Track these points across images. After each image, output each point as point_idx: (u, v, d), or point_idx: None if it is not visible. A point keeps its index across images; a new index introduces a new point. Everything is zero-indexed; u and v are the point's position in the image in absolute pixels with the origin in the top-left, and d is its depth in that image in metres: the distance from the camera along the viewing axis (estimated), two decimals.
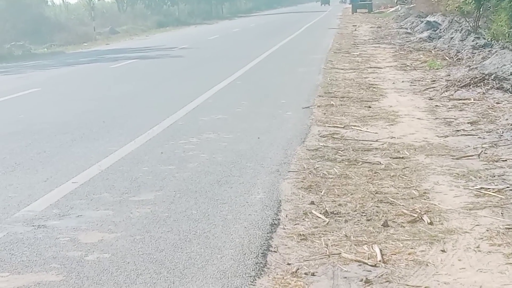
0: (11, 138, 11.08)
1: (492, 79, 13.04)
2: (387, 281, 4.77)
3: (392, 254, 5.21)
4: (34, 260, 5.42)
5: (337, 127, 10.44)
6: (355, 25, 40.29)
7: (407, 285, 4.69)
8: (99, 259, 5.39)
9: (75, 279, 5.01)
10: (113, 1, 76.07)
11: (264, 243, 5.58)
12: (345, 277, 4.87)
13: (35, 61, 30.94)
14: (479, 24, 24.05)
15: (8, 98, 16.59)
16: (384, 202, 6.51)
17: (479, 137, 9.35)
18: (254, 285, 4.79)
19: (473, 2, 24.00)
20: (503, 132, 9.47)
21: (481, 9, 24.12)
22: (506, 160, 7.98)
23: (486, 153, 8.37)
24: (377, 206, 6.39)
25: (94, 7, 57.09)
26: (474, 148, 8.67)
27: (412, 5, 48.84)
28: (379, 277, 4.83)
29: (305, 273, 4.95)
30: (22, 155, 9.67)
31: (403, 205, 6.40)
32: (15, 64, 29.44)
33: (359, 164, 8.11)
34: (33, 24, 45.93)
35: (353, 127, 10.45)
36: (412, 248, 5.33)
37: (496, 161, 7.98)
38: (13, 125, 12.42)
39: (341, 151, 8.80)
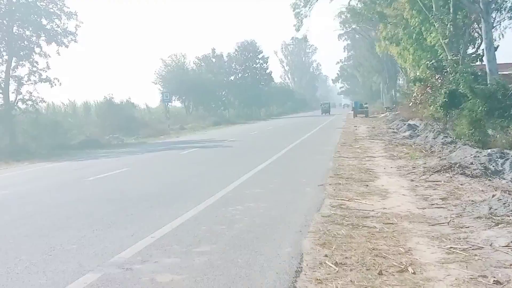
0: (108, 203, 11.16)
1: (457, 167, 12.89)
2: None
3: None
4: None
5: (343, 200, 10.34)
6: (356, 126, 40.35)
7: None
8: None
9: None
10: (182, 106, 77.16)
11: (291, 285, 5.49)
12: None
13: (126, 148, 31.33)
14: (447, 126, 23.98)
15: (107, 174, 16.81)
16: (379, 256, 6.40)
17: (448, 210, 9.18)
18: None
19: (442, 111, 24.05)
20: (466, 206, 9.29)
21: (447, 116, 24.11)
22: (468, 227, 7.82)
23: (453, 222, 8.21)
24: (374, 259, 6.28)
25: (168, 110, 57.86)
26: (444, 218, 8.51)
27: (397, 112, 48.97)
28: None
29: None
30: (116, 216, 9.73)
31: (393, 259, 6.28)
32: (112, 151, 29.88)
33: (360, 227, 8.01)
34: (125, 122, 46.69)
35: (355, 200, 10.34)
36: None
37: (461, 228, 7.83)
38: (110, 194, 12.53)
39: (347, 217, 8.70)
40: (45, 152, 29.46)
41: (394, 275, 5.72)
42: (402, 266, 5.96)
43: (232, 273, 5.94)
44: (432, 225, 8.07)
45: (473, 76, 23.64)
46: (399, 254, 6.53)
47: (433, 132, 23.53)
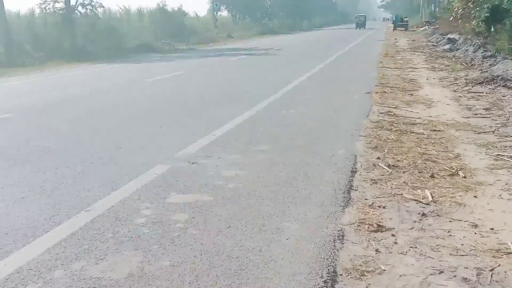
0: (169, 103, 11.23)
1: (499, 79, 12.52)
2: (437, 215, 4.59)
3: (439, 197, 5.02)
4: (192, 186, 5.43)
5: (390, 107, 10.14)
6: (396, 39, 39.29)
7: (452, 219, 4.51)
8: (236, 187, 5.36)
9: (221, 200, 4.99)
10: (230, 15, 76.06)
11: (347, 184, 5.44)
12: (407, 211, 4.70)
13: (178, 54, 31.21)
14: (487, 41, 23.11)
15: (165, 76, 16.81)
16: (430, 161, 6.28)
17: (492, 119, 8.94)
18: (343, 212, 4.67)
19: (484, 25, 23.15)
20: (509, 116, 9.04)
21: (489, 31, 23.20)
22: None
23: (498, 131, 8.00)
24: (425, 163, 6.17)
25: (217, 19, 57.10)
26: (489, 127, 8.29)
27: (436, 26, 47.41)
28: (431, 212, 4.66)
29: (378, 206, 4.81)
30: (177, 114, 9.78)
31: (443, 163, 6.16)
32: (165, 55, 29.86)
33: (408, 133, 7.85)
34: (176, 29, 46.33)
35: (401, 107, 10.14)
36: (453, 194, 5.12)
37: (506, 136, 7.61)
38: (169, 94, 12.61)
39: (395, 124, 8.54)
40: (104, 55, 29.51)
41: (445, 178, 5.62)
42: (453, 170, 5.84)
43: (291, 170, 5.91)
44: (477, 133, 7.88)
45: None
46: (449, 159, 6.39)
47: (473, 46, 22.75)
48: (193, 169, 6.05)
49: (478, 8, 26.15)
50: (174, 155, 6.70)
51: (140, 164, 6.31)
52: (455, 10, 34.07)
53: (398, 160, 6.31)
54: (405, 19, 64.19)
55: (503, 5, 22.56)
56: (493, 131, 7.99)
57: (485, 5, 24.24)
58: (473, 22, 25.67)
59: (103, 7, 39.32)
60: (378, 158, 6.43)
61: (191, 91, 12.97)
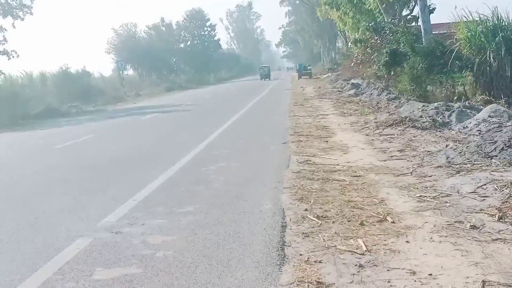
0: (82, 169, 10.76)
1: (408, 121, 12.95)
2: (374, 265, 4.54)
3: (372, 245, 4.98)
4: (118, 258, 5.11)
5: (308, 155, 10.19)
6: (303, 87, 40.20)
7: (389, 267, 4.46)
8: (165, 255, 5.10)
9: (151, 271, 4.71)
10: (135, 74, 75.59)
11: (279, 240, 5.32)
12: (344, 263, 4.62)
13: (87, 116, 30.41)
14: (389, 84, 24.06)
15: (75, 141, 16.19)
16: (356, 208, 6.28)
17: (408, 160, 9.15)
18: (281, 271, 4.52)
19: (385, 69, 24.10)
20: (423, 156, 9.29)
21: (390, 74, 24.17)
22: (431, 176, 7.78)
23: (416, 171, 8.17)
24: (352, 211, 6.16)
25: (123, 79, 56.53)
26: (406, 168, 8.46)
27: (338, 73, 49.13)
28: (367, 262, 4.60)
29: (314, 261, 4.70)
30: (92, 181, 9.35)
31: (370, 210, 6.17)
32: (73, 119, 28.99)
33: (330, 181, 7.87)
34: (82, 91, 45.38)
35: (319, 155, 10.21)
36: (385, 240, 5.11)
37: (425, 177, 7.78)
38: (81, 160, 12.10)
39: (316, 172, 8.55)
40: (8, 122, 28.28)
41: (375, 225, 5.60)
42: (381, 216, 5.84)
43: (221, 232, 5.71)
44: (396, 176, 8.01)
45: (413, 36, 23.70)
46: (374, 204, 6.42)
47: (376, 90, 23.66)
48: (117, 239, 5.72)
49: (376, 54, 27.35)
50: (95, 225, 6.34)
51: (59, 239, 5.91)
52: (355, 56, 35.54)
53: (325, 210, 6.26)
54: (308, 67, 66.32)
55: (400, 49, 23.69)
56: (411, 172, 8.15)
57: (384, 50, 25.35)
58: (374, 67, 26.73)
59: (3, 73, 38.16)
60: (306, 210, 6.36)
61: (104, 155, 12.51)
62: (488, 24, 17.38)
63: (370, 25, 31.27)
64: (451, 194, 6.63)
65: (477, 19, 18.16)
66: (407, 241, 5.06)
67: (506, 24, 16.72)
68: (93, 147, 14.60)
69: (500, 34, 16.61)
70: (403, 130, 12.36)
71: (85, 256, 5.23)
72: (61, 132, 21.16)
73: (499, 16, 17.13)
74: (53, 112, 33.70)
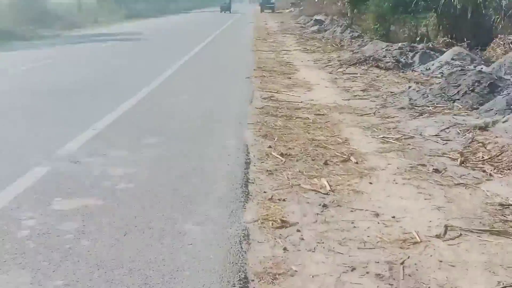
0: (40, 95, 10.32)
1: (371, 60, 12.90)
2: (338, 205, 4.53)
3: (336, 185, 4.97)
4: (78, 189, 4.96)
5: (272, 91, 10.08)
6: (265, 21, 39.67)
7: (353, 208, 4.46)
8: (127, 187, 4.98)
9: (112, 203, 4.60)
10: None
11: (244, 177, 5.24)
12: (308, 202, 4.60)
13: (43, 41, 29.22)
14: (353, 22, 23.88)
15: (32, 66, 15.57)
16: (320, 147, 6.25)
17: (371, 101, 9.16)
18: (245, 209, 4.47)
19: (349, 6, 23.88)
20: (386, 97, 9.31)
21: (354, 12, 23.95)
22: (394, 117, 7.83)
23: (379, 112, 8.21)
24: (316, 150, 6.13)
25: (81, 3, 54.65)
26: (370, 108, 8.48)
27: (301, 8, 48.55)
28: (332, 202, 4.58)
29: (278, 199, 4.66)
30: (51, 108, 8.96)
31: (334, 149, 6.15)
32: (29, 42, 27.88)
33: (294, 118, 7.82)
34: (38, 14, 43.73)
35: (282, 92, 10.12)
36: (348, 181, 5.11)
37: (387, 118, 7.82)
38: (39, 85, 11.64)
39: (279, 109, 8.47)
40: None
41: (338, 164, 5.59)
42: (345, 156, 5.83)
43: (185, 165, 5.59)
44: (360, 116, 8.01)
45: None
46: (338, 144, 6.40)
47: (340, 27, 23.46)
48: (76, 169, 5.54)
49: None
50: (53, 154, 6.11)
51: (15, 166, 5.68)
52: None
53: (289, 148, 6.21)
54: (271, 1, 65.28)
55: None
56: (374, 113, 8.16)
57: None
58: (339, 4, 26.47)
59: None
60: (270, 147, 6.29)
61: (63, 82, 12.01)
62: None
63: None
64: (414, 137, 6.66)
65: None
66: (371, 183, 5.06)
67: None
68: (50, 73, 14.04)
69: None
70: (366, 70, 12.33)
71: (42, 186, 5.04)
72: (17, 56, 20.39)
73: None
74: (7, 34, 32.28)
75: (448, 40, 15.81)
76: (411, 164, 5.56)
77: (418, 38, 17.10)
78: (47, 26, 40.84)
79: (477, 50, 13.88)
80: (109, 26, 43.92)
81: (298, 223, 4.18)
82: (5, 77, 13.69)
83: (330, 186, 4.93)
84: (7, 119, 8.29)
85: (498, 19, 16.54)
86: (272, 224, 4.14)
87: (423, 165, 5.51)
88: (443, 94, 8.58)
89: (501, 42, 14.13)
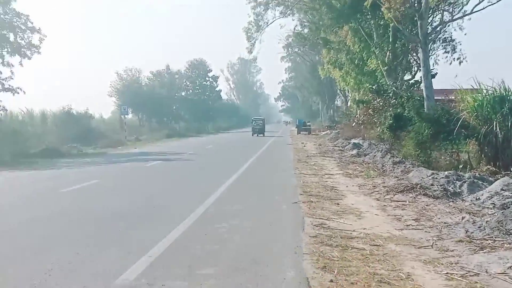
0: (91, 220, 10.41)
1: (418, 188, 12.75)
2: None
3: None
4: None
5: (322, 218, 9.96)
6: (303, 143, 40.16)
7: None
8: None
9: None
10: (136, 119, 75.56)
11: None
12: None
13: (87, 158, 30.02)
14: (392, 147, 24.00)
15: (78, 186, 15.81)
16: (383, 282, 6.04)
17: (425, 231, 8.93)
18: None
19: (389, 132, 24.09)
20: (441, 228, 9.08)
21: (394, 137, 24.14)
22: (453, 251, 7.56)
23: (436, 244, 7.95)
24: (380, 286, 5.92)
25: (125, 123, 56.41)
26: (426, 240, 8.24)
27: (337, 131, 49.22)
28: None
29: None
30: (104, 234, 9.03)
31: (398, 285, 5.93)
32: (74, 160, 28.63)
33: (349, 249, 7.64)
34: (83, 132, 45.36)
35: (333, 219, 9.99)
36: None
37: (447, 251, 7.56)
38: (89, 209, 11.75)
39: (333, 238, 8.31)
40: (8, 160, 27.86)
41: None
42: None
43: None
44: (417, 248, 7.78)
45: (418, 102, 23.85)
46: (401, 280, 6.17)
47: (380, 152, 23.54)
48: None
49: (379, 115, 27.47)
50: (112, 282, 6.04)
51: None
52: (356, 116, 35.71)
53: (352, 283, 6.02)
54: (308, 123, 66.77)
55: (405, 114, 23.84)
56: (432, 245, 7.92)
57: (388, 113, 25.45)
58: (378, 129, 26.75)
59: (6, 110, 38.22)
60: (331, 281, 6.10)
61: (112, 205, 12.09)
62: (495, 94, 17.50)
63: (373, 87, 31.43)
64: (479, 273, 6.39)
65: (483, 88, 18.33)
66: None
67: None
68: (99, 195, 14.22)
69: (507, 105, 16.70)
70: (414, 198, 12.16)
71: None
72: (63, 175, 20.82)
73: (507, 87, 17.27)
74: (53, 152, 33.36)
75: (492, 169, 15.69)
76: None
77: (460, 166, 17.01)
78: (91, 143, 42.23)
79: None
80: (151, 144, 45.43)
81: None
82: (56, 197, 13.87)
83: None
84: (60, 243, 8.29)
85: None
86: None
87: None
88: (500, 227, 8.34)
89: None
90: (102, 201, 12.73)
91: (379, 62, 32.68)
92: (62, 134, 43.34)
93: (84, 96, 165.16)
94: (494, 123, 16.62)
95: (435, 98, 24.41)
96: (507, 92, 17.31)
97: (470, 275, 6.34)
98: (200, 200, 12.20)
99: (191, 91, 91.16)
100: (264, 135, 60.05)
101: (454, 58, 31.33)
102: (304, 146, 36.47)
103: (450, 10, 28.27)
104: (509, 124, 16.33)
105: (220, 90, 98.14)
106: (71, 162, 27.48)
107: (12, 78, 35.95)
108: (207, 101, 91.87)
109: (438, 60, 33.24)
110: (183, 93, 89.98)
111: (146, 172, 21.14)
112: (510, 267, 6.54)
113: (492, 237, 8.12)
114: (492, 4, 23.60)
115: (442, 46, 32.71)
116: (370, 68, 34.81)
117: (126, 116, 57.41)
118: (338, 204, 11.77)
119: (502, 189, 11.64)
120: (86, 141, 43.45)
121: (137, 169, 22.65)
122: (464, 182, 12.81)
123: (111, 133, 53.48)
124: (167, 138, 57.85)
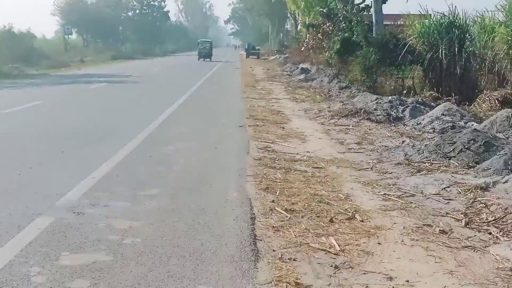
0: (35, 140, 10.26)
1: (362, 112, 12.99)
2: (350, 267, 4.47)
3: (345, 245, 4.91)
4: (85, 243, 4.86)
5: (267, 142, 10.07)
6: (252, 67, 39.95)
7: (365, 271, 4.40)
8: (134, 242, 4.89)
9: (121, 260, 4.49)
10: (80, 39, 73.35)
11: (251, 233, 5.18)
12: (319, 263, 4.54)
13: (30, 80, 29.10)
14: (339, 72, 24.14)
15: (21, 107, 15.45)
16: (323, 202, 6.20)
17: (366, 154, 9.17)
18: (257, 268, 4.39)
19: (336, 57, 24.14)
20: (381, 151, 9.34)
21: (341, 62, 24.23)
22: (391, 173, 7.81)
23: (376, 167, 8.19)
24: (319, 205, 6.08)
25: (68, 43, 54.80)
26: (366, 163, 8.46)
27: (287, 55, 49.09)
28: (343, 263, 4.52)
29: (288, 259, 4.59)
30: (47, 154, 8.92)
31: (337, 205, 6.11)
32: (16, 81, 27.73)
33: (292, 171, 7.78)
34: (25, 52, 43.78)
35: (278, 142, 10.10)
36: (357, 240, 5.05)
37: (385, 173, 7.80)
38: (32, 129, 11.56)
39: (277, 160, 8.43)
40: None
41: (344, 222, 5.54)
42: (349, 214, 5.78)
43: (189, 220, 5.51)
44: (358, 170, 7.99)
45: (367, 26, 23.85)
46: (340, 200, 6.36)
47: (327, 77, 23.68)
48: (80, 221, 5.44)
49: (328, 40, 27.41)
50: (55, 203, 6.02)
51: (18, 216, 5.57)
52: (306, 40, 35.55)
53: (293, 203, 6.16)
54: (257, 48, 66.42)
55: (353, 38, 23.82)
56: (371, 168, 8.15)
57: (336, 38, 25.40)
58: (326, 54, 26.78)
59: None
60: (273, 201, 6.24)
61: (55, 125, 11.97)
62: (443, 20, 17.62)
63: (323, 10, 31.16)
64: (415, 194, 6.64)
65: (431, 14, 18.47)
66: (379, 243, 5.01)
67: (462, 23, 17.00)
68: (41, 116, 13.97)
69: (455, 32, 16.87)
70: (358, 122, 12.41)
71: (48, 238, 4.94)
72: (4, 96, 20.30)
73: (456, 13, 17.36)
74: None
75: (435, 94, 16.04)
76: (416, 224, 5.53)
77: (404, 91, 17.33)
78: (33, 64, 40.87)
79: (464, 106, 14.09)
80: (95, 66, 44.24)
81: (312, 285, 4.12)
82: None
83: (339, 245, 4.88)
84: (2, 164, 8.18)
85: (482, 74, 16.93)
86: (286, 286, 4.07)
87: (429, 225, 5.48)
88: (438, 151, 8.63)
89: (487, 98, 14.36)
90: (45, 123, 12.50)
91: None
92: (2, 54, 41.74)
93: (26, 14, 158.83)
94: (440, 49, 16.82)
95: (385, 23, 24.40)
96: (455, 18, 17.43)
97: (406, 196, 6.58)
98: (146, 122, 12.14)
99: (138, 11, 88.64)
100: (211, 60, 56.52)
101: None
102: (253, 70, 36.33)
103: None
104: (455, 50, 16.57)
105: (168, 11, 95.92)
106: (13, 83, 26.63)
107: None
108: (154, 22, 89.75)
109: None
110: (130, 13, 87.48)
111: (90, 94, 20.79)
112: (444, 188, 6.82)
113: (430, 160, 8.42)
114: None
115: None
116: None
117: (69, 36, 55.72)
118: (283, 128, 11.89)
119: (442, 114, 11.99)
120: (29, 62, 41.99)
121: (81, 90, 22.22)
122: (407, 107, 13.11)
123: (54, 54, 51.77)
124: (113, 60, 56.56)
